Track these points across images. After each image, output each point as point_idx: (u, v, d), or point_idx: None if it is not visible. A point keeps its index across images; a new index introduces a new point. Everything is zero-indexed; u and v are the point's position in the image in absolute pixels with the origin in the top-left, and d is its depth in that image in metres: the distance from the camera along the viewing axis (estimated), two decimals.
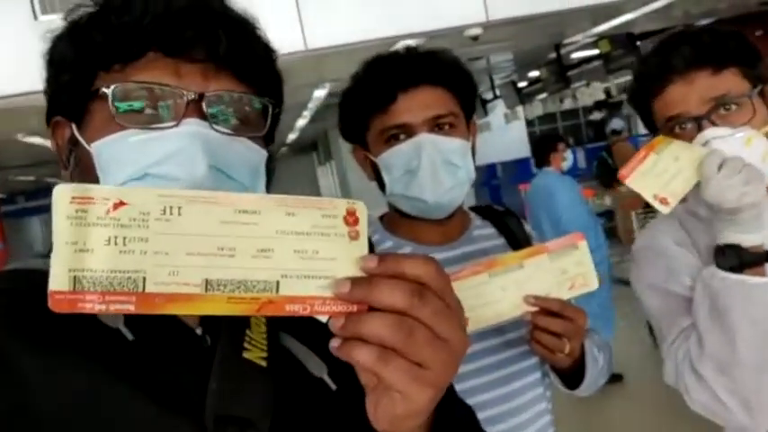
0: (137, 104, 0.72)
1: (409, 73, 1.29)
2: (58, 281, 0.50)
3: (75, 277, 0.50)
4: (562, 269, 1.14)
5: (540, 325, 1.15)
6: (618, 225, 8.64)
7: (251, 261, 0.53)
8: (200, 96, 0.72)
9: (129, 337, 0.71)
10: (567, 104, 12.28)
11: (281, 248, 0.54)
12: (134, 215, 0.52)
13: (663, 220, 1.36)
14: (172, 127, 0.71)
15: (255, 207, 0.54)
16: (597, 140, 15.97)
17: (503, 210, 1.49)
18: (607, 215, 8.72)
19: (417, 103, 1.28)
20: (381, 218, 1.46)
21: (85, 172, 0.74)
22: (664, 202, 1.12)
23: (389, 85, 1.28)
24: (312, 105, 11.44)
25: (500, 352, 1.29)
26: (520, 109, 11.82)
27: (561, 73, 10.14)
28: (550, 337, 1.16)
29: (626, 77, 10.34)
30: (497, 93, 11.80)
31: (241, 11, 0.79)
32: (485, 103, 11.76)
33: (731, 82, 1.19)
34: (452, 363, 0.56)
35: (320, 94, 10.35)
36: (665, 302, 1.25)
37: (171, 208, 0.52)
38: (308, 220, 0.55)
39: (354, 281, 0.54)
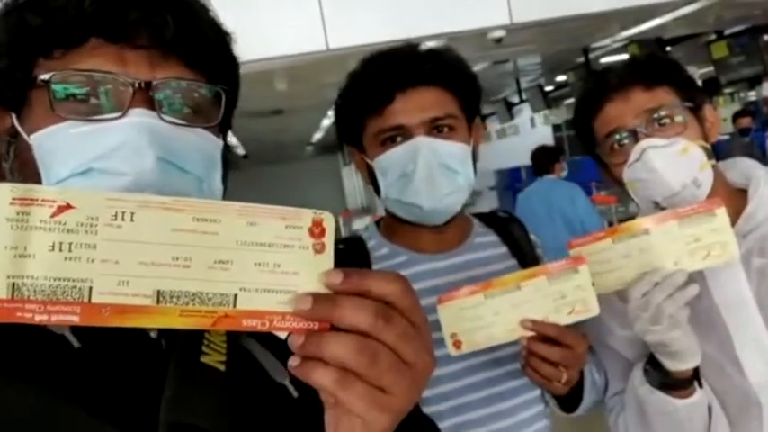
0: (78, 94, 0.68)
1: (408, 72, 1.23)
2: None
3: (13, 284, 0.47)
4: (561, 293, 1.09)
5: (537, 352, 1.09)
6: None
7: (207, 272, 0.50)
8: (147, 84, 0.68)
9: (75, 344, 0.67)
10: None
11: (240, 260, 0.51)
12: (81, 220, 0.48)
13: None
14: (117, 118, 0.68)
15: (214, 215, 0.51)
16: None
17: (507, 216, 1.43)
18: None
19: (415, 105, 1.22)
20: (377, 222, 1.40)
21: (25, 165, 0.71)
22: None
23: (386, 85, 1.23)
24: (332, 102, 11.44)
25: (493, 368, 1.24)
26: (546, 113, 11.70)
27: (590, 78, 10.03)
28: (547, 366, 1.10)
29: None
30: (524, 96, 11.70)
31: None
32: (511, 106, 11.67)
33: (663, 98, 1.23)
34: (416, 387, 0.53)
35: None
36: (605, 356, 1.29)
37: (123, 213, 0.49)
38: (271, 231, 0.51)
39: (317, 297, 0.51)
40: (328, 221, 0.53)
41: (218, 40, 0.77)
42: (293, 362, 0.52)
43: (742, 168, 1.30)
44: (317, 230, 0.53)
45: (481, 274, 1.31)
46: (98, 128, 0.67)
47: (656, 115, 1.22)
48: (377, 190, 1.32)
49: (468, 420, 1.21)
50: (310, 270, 0.52)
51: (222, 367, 0.74)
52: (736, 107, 10.37)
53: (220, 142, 0.75)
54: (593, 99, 1.29)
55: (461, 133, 1.27)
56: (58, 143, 0.68)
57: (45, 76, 0.68)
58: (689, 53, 9.80)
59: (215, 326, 0.51)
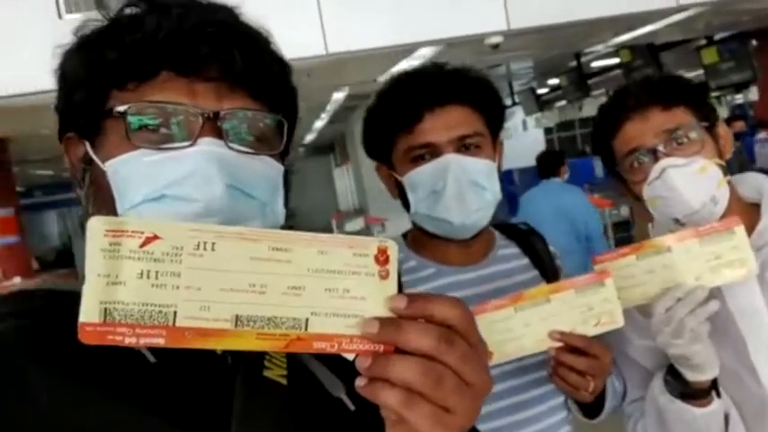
0: (152, 124, 0.71)
1: (436, 91, 1.27)
2: (88, 313, 0.51)
3: (105, 309, 0.51)
4: (588, 305, 1.12)
5: (565, 362, 1.13)
6: (635, 236, 8.59)
7: (281, 298, 0.53)
8: (215, 115, 0.72)
9: (152, 359, 0.71)
10: (586, 112, 12.22)
11: (311, 286, 0.53)
12: (167, 249, 0.52)
13: None
14: (187, 146, 0.71)
15: (288, 245, 0.54)
16: None
17: (527, 229, 1.48)
18: (623, 225, 8.67)
19: (444, 123, 1.26)
20: (405, 235, 1.44)
21: (100, 191, 0.74)
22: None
23: (415, 104, 1.26)
24: (330, 108, 11.45)
25: (519, 376, 1.28)
26: (539, 116, 11.78)
27: (581, 81, 10.10)
28: (575, 375, 1.14)
29: None
30: (516, 99, 11.78)
31: (254, 25, 0.78)
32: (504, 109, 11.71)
33: (681, 117, 1.26)
34: (476, 406, 0.56)
35: (339, 96, 10.36)
36: (624, 364, 1.33)
37: (204, 243, 0.53)
38: (340, 259, 0.54)
39: (383, 322, 0.54)
40: (392, 249, 0.55)
41: (281, 70, 0.80)
42: (361, 382, 0.54)
43: (753, 183, 1.35)
44: (381, 258, 0.55)
45: (506, 285, 1.33)
46: (170, 156, 0.70)
47: (674, 135, 1.25)
48: (405, 204, 1.34)
49: (495, 428, 1.25)
50: (376, 295, 0.55)
51: (284, 381, 0.77)
52: (723, 110, 10.48)
53: (282, 167, 0.79)
54: (613, 118, 1.33)
55: (487, 150, 1.30)
56: (132, 170, 0.71)
57: (121, 108, 0.71)
58: (679, 57, 9.91)
59: (287, 348, 0.54)
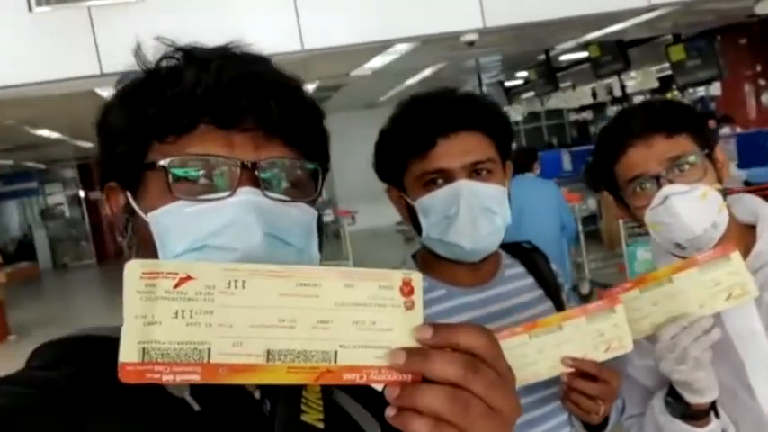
0: (192, 176, 0.73)
1: (449, 118, 1.29)
2: (127, 353, 0.52)
3: (143, 349, 0.53)
4: (599, 331, 1.15)
5: (577, 388, 1.16)
6: (602, 229, 8.73)
7: (311, 332, 0.55)
8: (253, 165, 0.73)
9: (196, 407, 0.72)
10: (551, 104, 12.36)
11: (339, 319, 0.55)
12: (200, 289, 0.54)
13: None
14: (226, 197, 0.72)
15: (315, 280, 0.55)
16: (581, 139, 16.09)
17: (530, 248, 1.51)
18: (590, 219, 8.81)
19: (457, 149, 1.27)
20: (414, 256, 1.46)
21: (143, 241, 0.75)
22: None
23: (429, 130, 1.28)
24: None
25: (525, 396, 1.31)
26: (507, 109, 11.86)
27: (550, 75, 10.21)
28: (586, 400, 1.17)
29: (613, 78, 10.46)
30: (485, 91, 11.84)
31: (288, 73, 0.80)
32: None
33: (684, 145, 1.29)
34: (504, 431, 0.58)
35: (309, 88, 10.32)
36: (624, 383, 1.35)
37: (235, 282, 0.54)
38: (366, 292, 0.56)
39: (410, 352, 0.55)
40: (417, 281, 0.56)
41: (314, 117, 0.81)
42: (390, 412, 0.55)
43: (748, 205, 1.39)
44: (406, 289, 0.56)
45: (513, 305, 1.37)
46: (210, 207, 0.72)
47: (677, 162, 1.27)
48: (416, 227, 1.36)
49: None
50: (402, 326, 0.56)
51: (321, 425, 0.78)
52: (686, 103, 10.68)
53: (315, 212, 0.80)
54: (616, 144, 1.35)
55: (498, 175, 1.32)
56: (174, 221, 0.72)
57: (164, 162, 0.72)
58: (646, 53, 10.08)
59: (318, 380, 0.55)
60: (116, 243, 17.80)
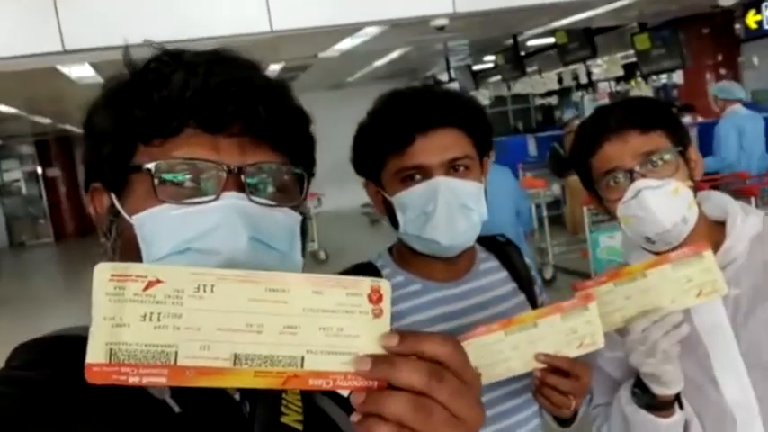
0: (178, 179, 0.73)
1: (427, 114, 1.28)
2: (94, 353, 0.53)
3: (111, 350, 0.53)
4: (573, 328, 1.17)
5: (550, 383, 1.19)
6: (565, 214, 8.85)
7: (278, 337, 0.55)
8: (239, 169, 0.73)
9: (176, 409, 0.72)
10: (517, 89, 12.43)
11: (307, 325, 0.55)
12: (169, 292, 0.54)
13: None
14: (212, 201, 0.72)
15: (284, 286, 0.56)
16: (545, 124, 16.23)
17: (504, 241, 1.53)
18: (554, 204, 8.91)
19: (435, 146, 1.28)
20: (390, 250, 1.47)
21: (127, 243, 0.75)
22: None
23: (408, 126, 1.27)
24: None
25: (496, 389, 1.32)
26: (474, 93, 11.90)
27: (517, 61, 10.26)
28: (558, 395, 1.20)
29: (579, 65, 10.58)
30: (453, 75, 11.86)
31: (276, 78, 0.80)
32: (440, 84, 11.82)
33: (658, 141, 1.32)
34: None
35: (275, 68, 10.23)
36: (593, 374, 1.37)
37: (204, 286, 0.55)
38: (334, 299, 0.56)
39: (375, 359, 0.56)
40: (385, 288, 0.57)
41: (301, 123, 0.81)
42: (355, 417, 0.56)
43: (717, 202, 1.42)
44: (375, 297, 0.57)
45: (488, 298, 1.39)
46: (195, 210, 0.72)
47: (651, 158, 1.30)
48: (393, 222, 1.36)
49: None
50: (369, 333, 0.56)
51: (300, 427, 0.79)
52: (649, 90, 10.82)
53: (300, 217, 0.80)
54: (593, 138, 1.36)
55: (475, 172, 1.33)
56: (159, 224, 0.72)
57: (151, 165, 0.72)
58: (611, 41, 10.19)
59: (284, 385, 0.55)
60: (75, 221, 17.69)
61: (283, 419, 0.79)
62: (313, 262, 9.35)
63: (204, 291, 0.54)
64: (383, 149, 1.30)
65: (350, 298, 0.56)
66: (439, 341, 0.57)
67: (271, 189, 0.75)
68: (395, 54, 9.79)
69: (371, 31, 5.82)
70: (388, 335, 0.57)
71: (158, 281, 0.54)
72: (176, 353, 0.54)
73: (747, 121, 6.57)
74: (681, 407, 1.28)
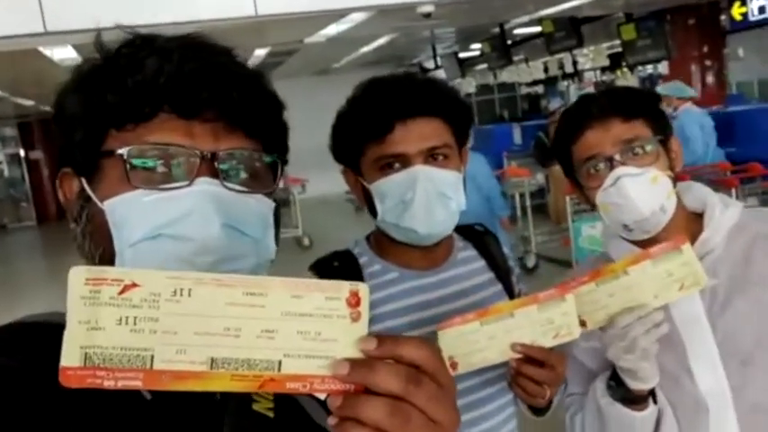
0: (150, 165, 0.72)
1: (407, 102, 1.28)
2: (69, 357, 0.52)
3: (86, 354, 0.53)
4: (549, 319, 1.19)
5: (526, 373, 1.20)
6: (549, 203, 8.88)
7: (255, 341, 0.55)
8: (213, 155, 0.72)
9: (148, 396, 0.72)
10: (503, 77, 12.43)
11: (284, 329, 0.55)
12: (145, 296, 0.54)
13: (575, 273, 1.49)
14: (184, 186, 0.72)
15: (262, 289, 0.55)
16: (531, 112, 16.26)
17: (482, 230, 1.53)
18: (538, 193, 8.94)
19: (414, 134, 1.27)
20: (368, 238, 1.47)
21: (98, 229, 0.74)
22: (582, 324, 1.21)
23: (387, 114, 1.27)
24: (251, 63, 11.16)
25: (472, 378, 1.33)
26: (460, 80, 11.89)
27: (504, 49, 10.25)
28: (533, 385, 1.21)
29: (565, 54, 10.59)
30: (439, 63, 11.83)
31: (251, 65, 0.79)
32: (426, 72, 11.79)
33: (639, 130, 1.33)
34: None
35: (261, 53, 10.16)
36: (567, 363, 1.39)
37: (181, 290, 0.54)
38: (313, 303, 0.56)
39: (353, 363, 0.56)
40: (363, 292, 0.57)
41: (275, 110, 0.81)
42: (332, 421, 0.56)
43: (697, 194, 1.42)
44: (353, 300, 0.57)
45: (465, 287, 1.40)
46: (168, 196, 0.71)
47: (631, 145, 1.30)
48: (371, 211, 1.36)
49: None
50: (347, 337, 0.56)
51: (271, 414, 0.80)
52: (634, 80, 10.86)
53: (273, 204, 0.80)
54: (575, 125, 1.36)
55: (454, 161, 1.33)
56: (131, 210, 0.71)
57: (122, 150, 0.71)
58: (597, 30, 10.20)
59: (261, 388, 0.56)
60: (57, 204, 17.38)
61: (254, 407, 0.79)
62: (297, 248, 9.35)
63: (181, 295, 0.54)
64: (362, 137, 1.30)
65: (328, 302, 0.56)
66: (416, 345, 0.58)
67: (244, 175, 0.75)
68: (382, 41, 9.75)
69: (357, 16, 5.79)
70: (365, 339, 0.57)
71: (134, 284, 0.53)
72: (152, 357, 0.53)
73: (703, 117, 7.05)
74: (654, 401, 1.29)
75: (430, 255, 1.39)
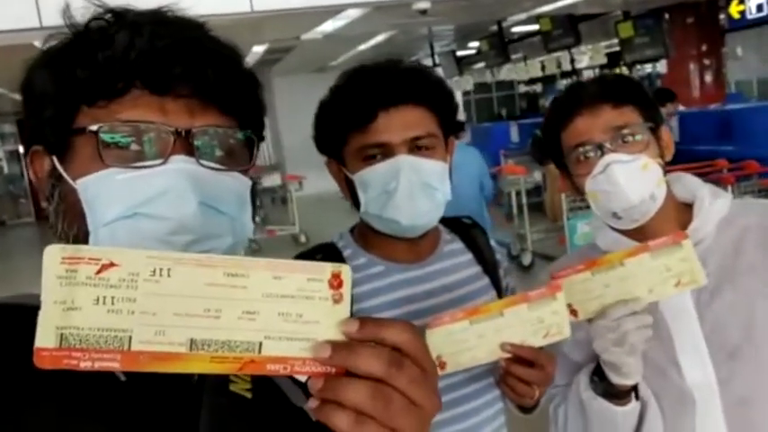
0: (123, 142, 0.71)
1: (391, 91, 1.25)
2: (44, 338, 0.51)
3: (62, 334, 0.51)
4: (539, 318, 1.16)
5: (515, 373, 1.18)
6: (545, 201, 8.87)
7: (236, 322, 0.54)
8: (187, 132, 0.71)
9: (122, 377, 0.72)
10: (501, 75, 12.42)
11: (265, 311, 0.55)
12: (123, 276, 0.52)
13: (563, 261, 1.49)
14: (159, 164, 0.71)
15: (243, 270, 0.55)
16: (530, 111, 16.24)
17: (470, 223, 1.51)
18: (535, 191, 8.93)
19: (398, 123, 1.25)
20: (352, 230, 1.44)
21: (71, 208, 0.73)
22: (573, 313, 1.20)
23: (370, 103, 1.24)
24: (249, 60, 11.16)
25: (459, 373, 1.30)
26: (458, 79, 11.87)
27: (502, 47, 10.24)
28: (522, 385, 1.19)
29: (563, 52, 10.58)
30: (437, 61, 11.82)
31: (225, 41, 0.78)
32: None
33: (629, 117, 1.32)
34: (424, 426, 0.59)
35: (259, 50, 10.15)
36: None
37: (160, 270, 0.54)
38: (294, 284, 0.55)
39: (335, 345, 0.56)
40: (346, 273, 0.57)
41: (250, 87, 0.80)
42: (312, 404, 0.56)
43: (686, 185, 1.42)
44: (335, 282, 0.56)
45: (451, 281, 1.37)
46: (142, 174, 0.70)
47: (621, 132, 1.29)
48: (355, 202, 1.33)
49: (437, 422, 1.25)
50: (329, 319, 0.56)
51: (249, 395, 0.79)
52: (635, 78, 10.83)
53: (249, 182, 0.79)
54: (565, 111, 1.35)
55: (440, 151, 1.30)
56: (105, 188, 0.70)
57: (94, 127, 0.70)
58: (595, 28, 10.19)
59: (241, 370, 0.55)
60: None
61: (232, 387, 0.78)
62: (294, 245, 9.33)
63: (160, 275, 0.53)
64: (345, 126, 1.27)
65: (310, 283, 0.56)
66: (399, 328, 0.57)
67: (219, 153, 0.74)
68: (379, 38, 9.74)
69: (353, 13, 5.78)
70: (347, 321, 0.56)
71: (112, 264, 0.52)
72: (130, 338, 0.52)
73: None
74: (637, 397, 1.29)
75: (415, 247, 1.37)
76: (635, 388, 1.28)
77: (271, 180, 12.15)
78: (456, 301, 1.33)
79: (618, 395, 1.27)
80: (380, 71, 1.30)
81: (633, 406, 1.28)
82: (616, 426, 1.30)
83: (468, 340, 1.15)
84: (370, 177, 1.27)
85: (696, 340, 1.30)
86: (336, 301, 0.56)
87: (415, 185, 1.25)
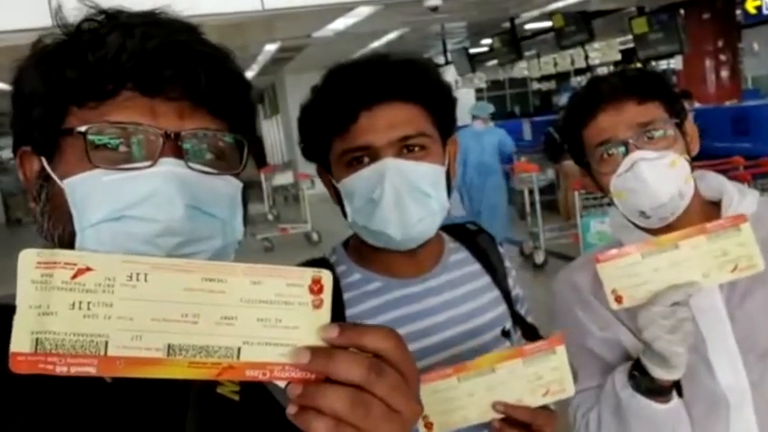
0: (112, 144, 0.70)
1: (374, 87, 1.13)
2: (19, 342, 0.51)
3: (37, 339, 0.51)
4: (537, 374, 1.07)
5: None
6: (559, 199, 8.82)
7: (214, 328, 0.54)
8: (176, 135, 0.71)
9: (108, 379, 0.70)
10: (514, 73, 12.38)
11: (244, 316, 0.55)
12: (99, 281, 0.52)
13: (580, 266, 1.42)
14: (148, 167, 0.70)
15: (222, 275, 0.54)
16: (543, 109, 16.18)
17: (475, 229, 1.39)
18: (549, 189, 8.88)
19: (382, 123, 1.12)
20: (345, 243, 1.30)
21: (58, 209, 0.73)
22: (618, 299, 1.15)
23: (350, 101, 1.12)
24: (262, 58, 11.22)
25: None
26: (471, 76, 11.83)
27: (514, 44, 10.19)
28: None
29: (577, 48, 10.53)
30: (449, 58, 11.79)
31: (216, 43, 0.77)
32: (436, 67, 11.73)
33: (655, 112, 1.28)
34: None
35: (271, 48, 10.17)
36: (579, 355, 1.33)
37: (137, 274, 0.53)
38: (273, 289, 0.55)
39: (315, 351, 0.55)
40: (327, 279, 0.56)
41: (241, 90, 0.78)
42: (291, 410, 0.55)
43: (713, 183, 1.38)
44: (315, 287, 0.56)
45: (457, 295, 1.25)
46: (130, 176, 0.70)
47: (647, 129, 1.25)
48: (345, 213, 1.20)
49: None
50: (309, 324, 0.55)
51: (236, 397, 0.79)
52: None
53: (240, 184, 0.78)
54: (586, 108, 1.30)
55: (434, 152, 1.16)
56: (92, 189, 0.70)
57: (82, 128, 0.70)
58: (609, 24, 10.12)
59: (220, 376, 0.55)
60: None
61: (219, 390, 0.78)
62: (307, 244, 9.35)
63: (137, 279, 0.53)
64: (326, 130, 1.15)
65: (290, 288, 0.55)
66: (380, 334, 0.57)
67: (209, 156, 0.73)
68: (391, 36, 9.72)
69: (364, 11, 5.77)
70: (327, 327, 0.56)
71: (88, 269, 0.52)
72: (107, 343, 0.52)
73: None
74: (679, 394, 1.23)
75: (416, 260, 1.22)
76: (677, 385, 1.22)
77: (283, 178, 12.19)
78: (464, 316, 1.23)
79: (660, 391, 1.21)
80: (363, 66, 1.18)
81: (674, 404, 1.22)
82: (657, 426, 1.24)
83: (458, 398, 1.06)
84: (354, 185, 1.14)
85: (727, 340, 1.25)
86: (317, 306, 0.56)
87: (403, 192, 1.11)
